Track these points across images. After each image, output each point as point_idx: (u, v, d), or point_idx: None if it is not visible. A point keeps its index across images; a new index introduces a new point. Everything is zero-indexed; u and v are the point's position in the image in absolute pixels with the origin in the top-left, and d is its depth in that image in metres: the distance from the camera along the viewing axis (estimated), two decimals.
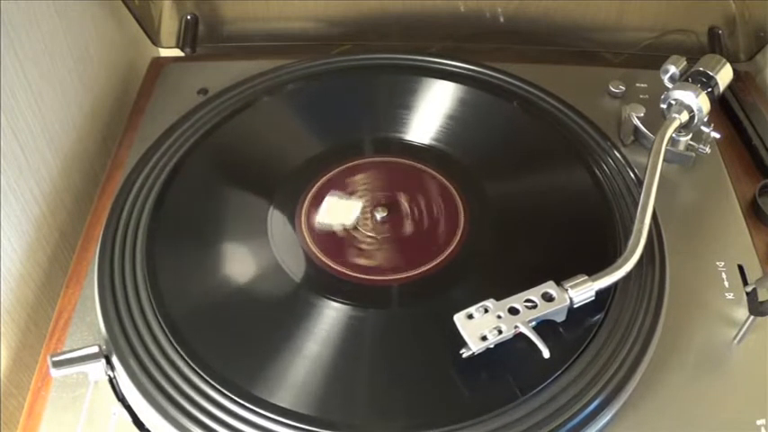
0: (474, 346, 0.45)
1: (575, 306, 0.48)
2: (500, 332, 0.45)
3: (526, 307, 0.47)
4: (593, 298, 0.48)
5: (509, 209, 0.58)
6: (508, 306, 0.47)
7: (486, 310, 0.46)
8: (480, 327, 0.46)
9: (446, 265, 0.54)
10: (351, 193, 0.59)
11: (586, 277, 0.48)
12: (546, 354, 0.45)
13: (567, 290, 0.47)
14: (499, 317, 0.46)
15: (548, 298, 0.47)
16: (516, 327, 0.46)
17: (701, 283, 0.54)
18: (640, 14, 0.74)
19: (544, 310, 0.47)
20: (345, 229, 0.57)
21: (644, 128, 0.63)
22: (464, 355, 0.46)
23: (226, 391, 0.45)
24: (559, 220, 0.57)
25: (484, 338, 0.45)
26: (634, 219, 0.52)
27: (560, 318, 0.48)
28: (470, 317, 0.46)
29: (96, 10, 0.70)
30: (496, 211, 0.58)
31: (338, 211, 0.58)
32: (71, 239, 0.63)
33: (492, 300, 0.47)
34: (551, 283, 0.48)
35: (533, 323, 0.46)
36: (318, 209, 0.58)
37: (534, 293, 0.47)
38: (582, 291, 0.47)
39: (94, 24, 0.69)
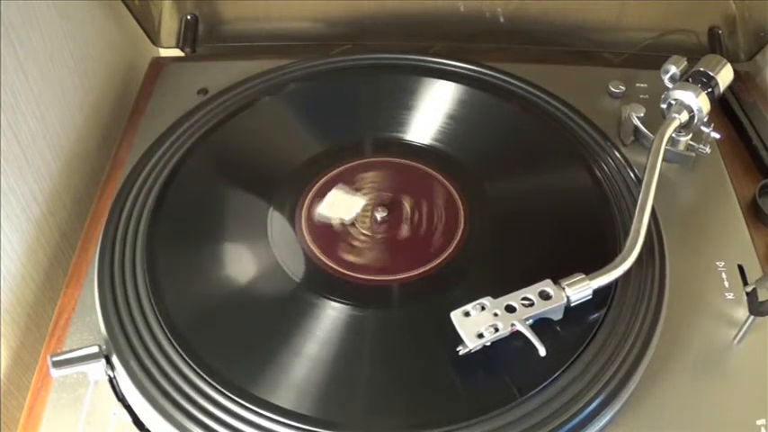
0: (470, 344, 0.45)
1: (572, 305, 0.48)
2: (496, 330, 0.45)
3: (523, 305, 0.47)
4: (591, 297, 0.48)
5: (509, 209, 0.58)
6: (505, 304, 0.47)
7: (483, 308, 0.46)
8: (477, 324, 0.46)
9: (446, 265, 0.54)
10: (357, 190, 0.59)
11: (584, 276, 0.48)
12: (542, 351, 0.45)
13: (564, 288, 0.47)
14: (496, 315, 0.46)
15: (545, 296, 0.47)
16: (513, 325, 0.46)
17: (700, 282, 0.54)
18: (640, 14, 0.74)
19: (541, 308, 0.47)
20: (342, 224, 0.57)
21: (644, 128, 0.63)
22: (460, 353, 0.46)
23: (226, 391, 0.45)
24: (560, 220, 0.57)
25: (480, 336, 0.45)
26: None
27: (557, 316, 0.48)
28: (467, 314, 0.46)
29: (96, 10, 0.70)
30: (496, 210, 0.58)
31: (340, 205, 0.58)
32: (71, 239, 0.63)
33: (489, 297, 0.47)
34: (548, 281, 0.48)
35: (530, 321, 0.46)
36: (322, 199, 0.58)
37: (531, 291, 0.47)
38: (579, 289, 0.48)
39: (94, 24, 0.69)
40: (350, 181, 0.60)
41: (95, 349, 0.46)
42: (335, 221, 0.57)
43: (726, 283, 0.54)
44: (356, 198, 0.58)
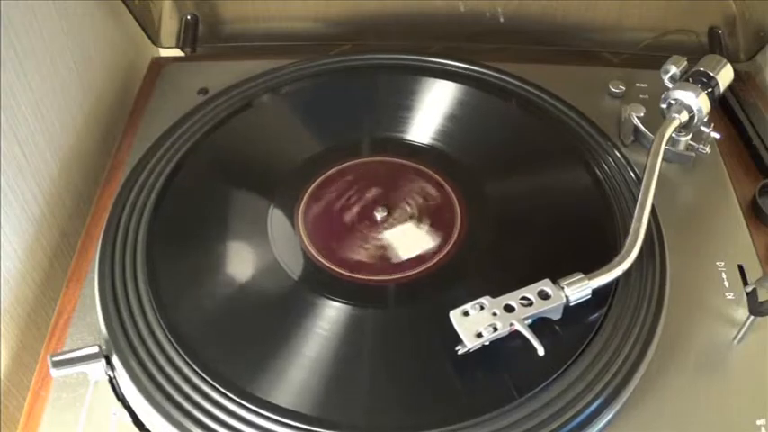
0: (469, 343, 0.45)
1: (571, 304, 0.48)
2: (495, 329, 0.45)
3: (522, 304, 0.47)
4: (590, 296, 0.48)
5: (509, 208, 0.58)
6: (504, 303, 0.47)
7: (482, 308, 0.46)
8: (476, 324, 0.46)
9: (445, 265, 0.54)
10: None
11: (583, 275, 0.48)
12: (540, 351, 0.45)
13: (563, 288, 0.47)
14: (495, 314, 0.46)
15: (544, 296, 0.47)
16: (512, 324, 0.46)
17: (701, 282, 0.54)
18: (640, 14, 0.74)
19: (540, 307, 0.47)
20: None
21: (644, 128, 0.63)
22: (459, 352, 0.46)
23: (226, 391, 0.45)
24: (559, 220, 0.57)
25: (479, 335, 0.45)
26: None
27: (556, 316, 0.48)
28: (466, 314, 0.46)
29: (96, 10, 0.70)
30: (496, 210, 0.58)
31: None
32: (71, 239, 0.63)
33: (488, 297, 0.47)
34: (547, 280, 0.48)
35: (529, 321, 0.46)
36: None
37: (530, 291, 0.47)
38: (578, 289, 0.47)
39: (94, 24, 0.69)
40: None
41: (95, 349, 0.46)
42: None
43: (726, 283, 0.54)
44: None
